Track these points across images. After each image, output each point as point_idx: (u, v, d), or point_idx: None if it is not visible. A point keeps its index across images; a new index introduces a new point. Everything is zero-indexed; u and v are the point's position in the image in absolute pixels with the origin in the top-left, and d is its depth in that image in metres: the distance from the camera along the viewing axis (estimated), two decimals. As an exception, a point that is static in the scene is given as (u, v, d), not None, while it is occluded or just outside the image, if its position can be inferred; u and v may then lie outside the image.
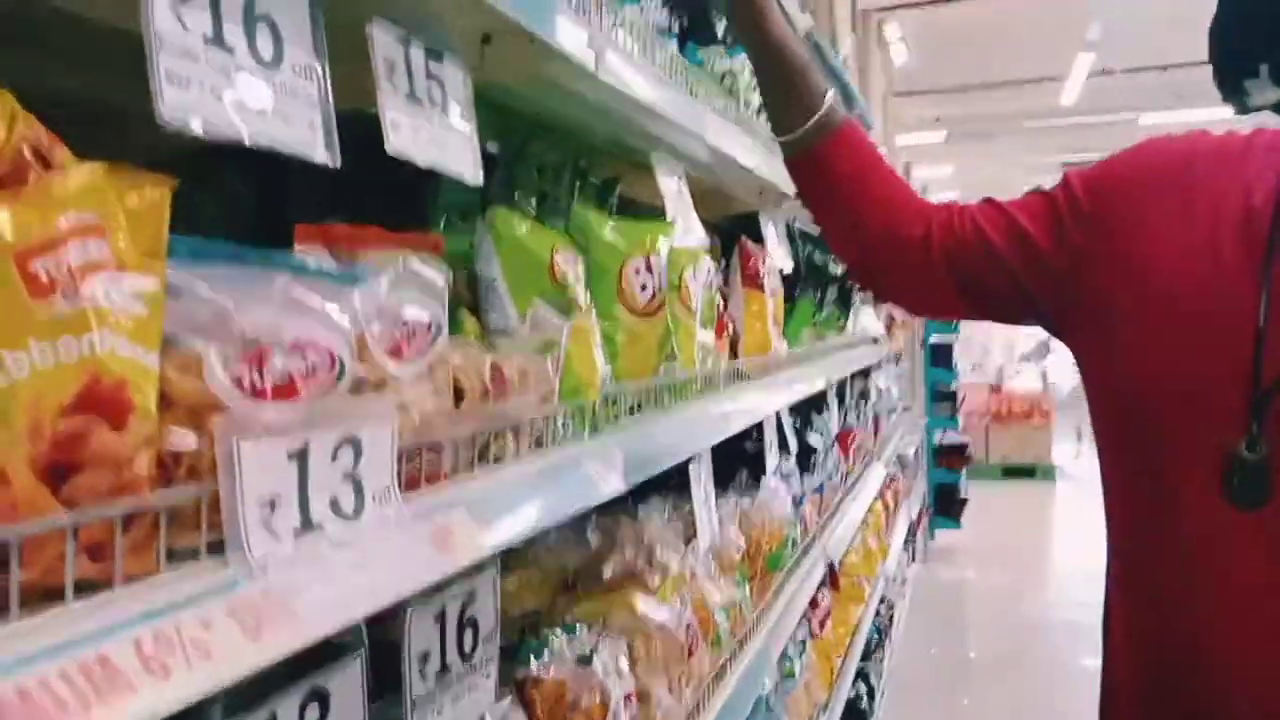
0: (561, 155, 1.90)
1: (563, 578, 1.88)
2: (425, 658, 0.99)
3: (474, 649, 1.08)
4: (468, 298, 1.35)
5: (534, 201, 1.84)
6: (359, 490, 0.81)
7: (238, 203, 1.45)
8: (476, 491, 0.99)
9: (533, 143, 1.79)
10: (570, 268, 1.36)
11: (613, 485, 1.27)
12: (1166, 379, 1.06)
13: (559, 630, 1.44)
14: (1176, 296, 1.07)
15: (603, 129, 1.80)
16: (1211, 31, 0.99)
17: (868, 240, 1.37)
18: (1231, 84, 0.96)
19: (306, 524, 0.75)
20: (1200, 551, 1.03)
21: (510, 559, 1.90)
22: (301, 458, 0.74)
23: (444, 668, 1.03)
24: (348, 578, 0.75)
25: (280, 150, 0.80)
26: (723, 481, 2.61)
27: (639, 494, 2.03)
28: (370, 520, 0.81)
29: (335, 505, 0.78)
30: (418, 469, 0.93)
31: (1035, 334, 14.74)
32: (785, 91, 1.42)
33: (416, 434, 0.93)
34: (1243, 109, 0.96)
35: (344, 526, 0.78)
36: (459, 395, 1.01)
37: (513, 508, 1.03)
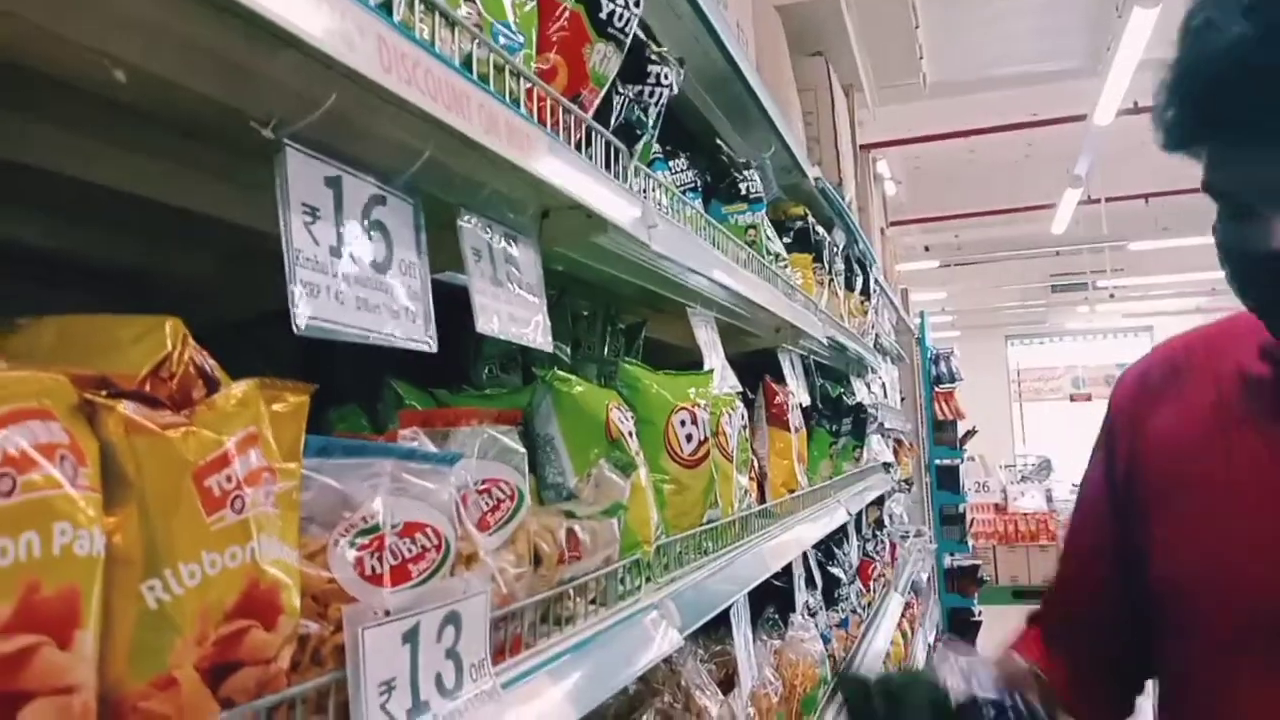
0: (594, 305, 1.98)
1: (601, 727, 1.87)
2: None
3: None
4: (530, 457, 1.40)
5: (569, 349, 1.92)
6: (459, 666, 0.84)
7: (284, 358, 1.52)
8: (554, 657, 1.01)
9: (568, 295, 1.88)
10: (624, 425, 1.42)
11: (671, 640, 1.30)
12: (1202, 571, 1.08)
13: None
14: (1193, 484, 1.10)
15: (634, 281, 1.88)
16: (1252, 264, 0.96)
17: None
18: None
19: (416, 704, 0.78)
20: None
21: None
22: (413, 639, 0.78)
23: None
24: (458, 757, 0.77)
25: (389, 344, 0.86)
26: (751, 619, 2.61)
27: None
28: (468, 695, 0.84)
29: (439, 683, 0.81)
30: (503, 638, 0.96)
31: (1035, 451, 14.74)
32: None
33: (500, 601, 0.96)
34: None
35: (447, 704, 0.81)
36: (537, 559, 1.05)
37: (590, 667, 1.05)
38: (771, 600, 2.70)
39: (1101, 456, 1.26)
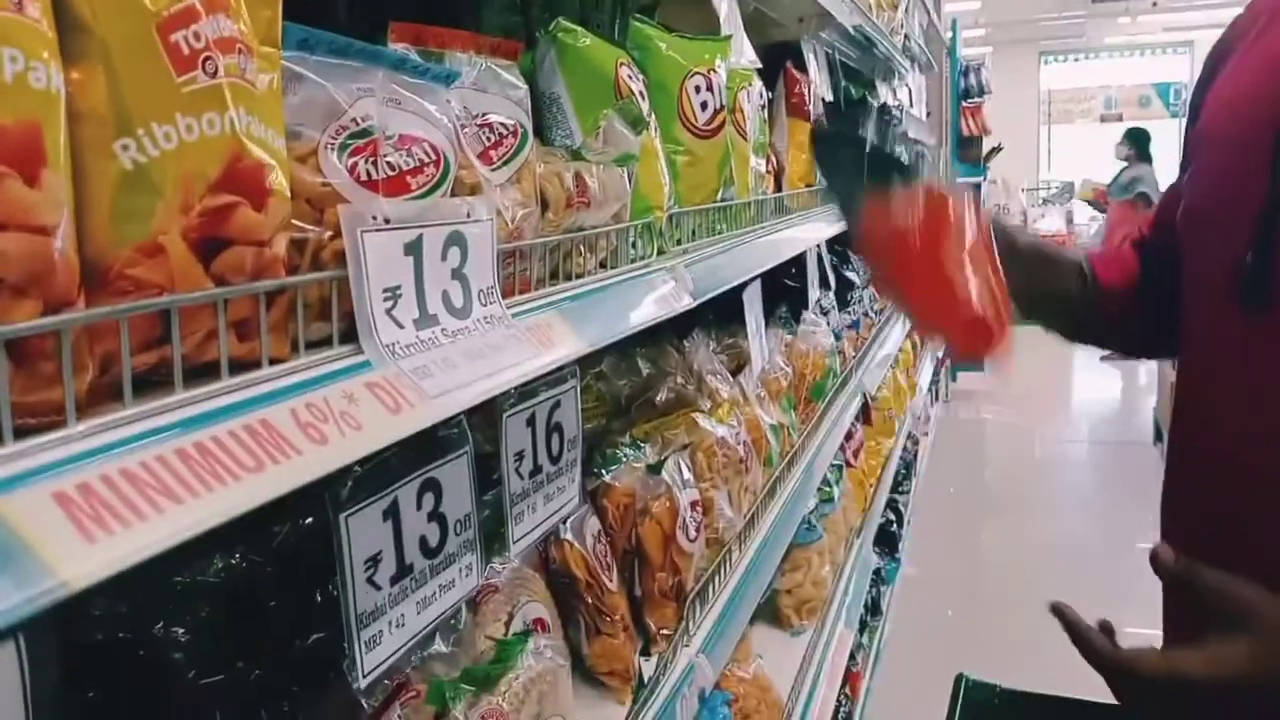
0: (602, -22, 1.83)
1: (616, 403, 1.93)
2: (520, 456, 1.04)
3: (560, 453, 1.13)
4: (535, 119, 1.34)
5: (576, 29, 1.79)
6: (466, 287, 0.83)
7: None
8: (566, 298, 1.01)
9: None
10: (635, 84, 1.34)
11: (684, 301, 1.29)
12: (1203, 199, 1.11)
13: (625, 446, 1.49)
14: (1217, 126, 1.10)
15: (646, -56, 1.72)
16: None
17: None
18: None
19: (424, 315, 0.77)
20: (1218, 354, 1.07)
21: (564, 387, 1.95)
22: (416, 252, 0.76)
23: (536, 468, 1.07)
24: (466, 365, 0.77)
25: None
26: (765, 315, 2.64)
27: (680, 327, 2.07)
28: (478, 315, 0.83)
29: (447, 300, 0.80)
30: (510, 275, 0.95)
31: (1061, 176, 14.44)
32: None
33: (508, 237, 0.94)
34: None
35: (456, 320, 0.80)
36: (544, 204, 1.01)
37: (600, 314, 1.05)
38: (784, 298, 2.72)
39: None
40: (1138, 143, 8.45)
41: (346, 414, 0.64)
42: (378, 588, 0.80)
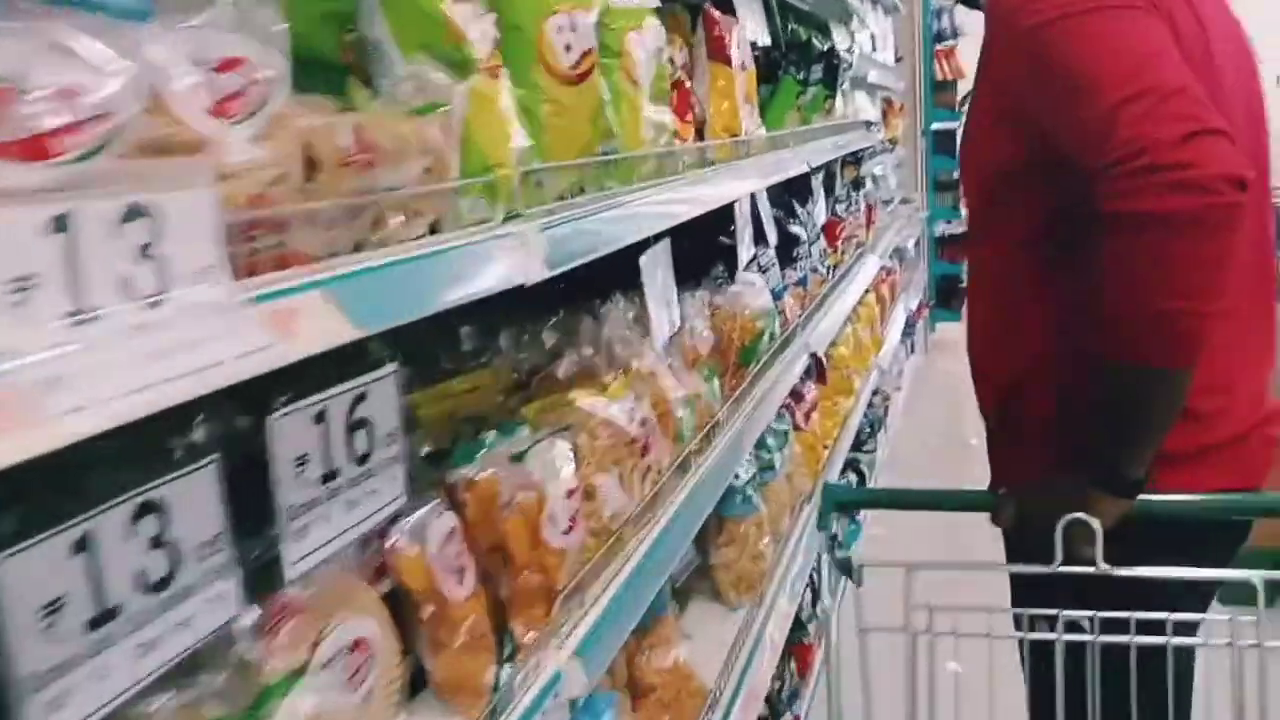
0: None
1: (516, 379, 1.79)
2: (303, 461, 0.89)
3: (370, 452, 0.99)
4: (360, 67, 1.18)
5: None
6: (163, 270, 0.68)
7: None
8: (342, 275, 0.86)
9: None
10: (473, 23, 1.18)
11: (535, 271, 1.14)
12: None
13: (494, 432, 1.35)
14: None
15: None
16: None
17: None
18: None
19: (82, 309, 0.62)
20: None
21: (462, 359, 1.81)
22: (65, 228, 0.61)
23: (331, 473, 0.93)
24: (139, 368, 0.63)
25: None
26: (697, 276, 2.49)
27: (601, 291, 1.92)
28: (178, 305, 0.69)
29: (127, 287, 0.65)
30: (255, 250, 0.80)
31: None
32: None
33: (255, 208, 0.79)
34: None
35: (138, 312, 0.66)
36: (313, 166, 0.86)
37: (394, 293, 0.90)
38: (721, 257, 2.57)
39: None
40: None
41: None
42: (61, 641, 0.66)
